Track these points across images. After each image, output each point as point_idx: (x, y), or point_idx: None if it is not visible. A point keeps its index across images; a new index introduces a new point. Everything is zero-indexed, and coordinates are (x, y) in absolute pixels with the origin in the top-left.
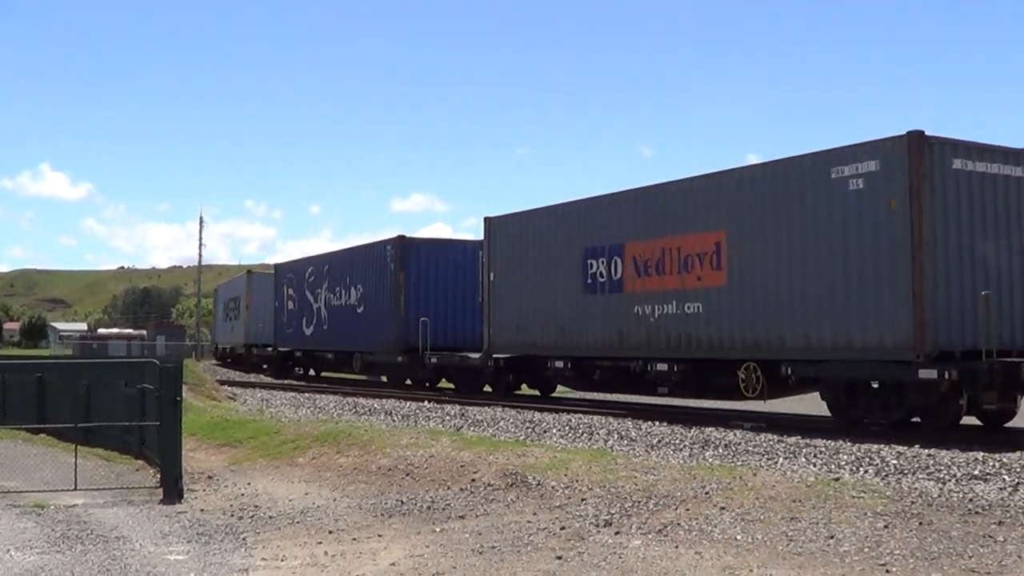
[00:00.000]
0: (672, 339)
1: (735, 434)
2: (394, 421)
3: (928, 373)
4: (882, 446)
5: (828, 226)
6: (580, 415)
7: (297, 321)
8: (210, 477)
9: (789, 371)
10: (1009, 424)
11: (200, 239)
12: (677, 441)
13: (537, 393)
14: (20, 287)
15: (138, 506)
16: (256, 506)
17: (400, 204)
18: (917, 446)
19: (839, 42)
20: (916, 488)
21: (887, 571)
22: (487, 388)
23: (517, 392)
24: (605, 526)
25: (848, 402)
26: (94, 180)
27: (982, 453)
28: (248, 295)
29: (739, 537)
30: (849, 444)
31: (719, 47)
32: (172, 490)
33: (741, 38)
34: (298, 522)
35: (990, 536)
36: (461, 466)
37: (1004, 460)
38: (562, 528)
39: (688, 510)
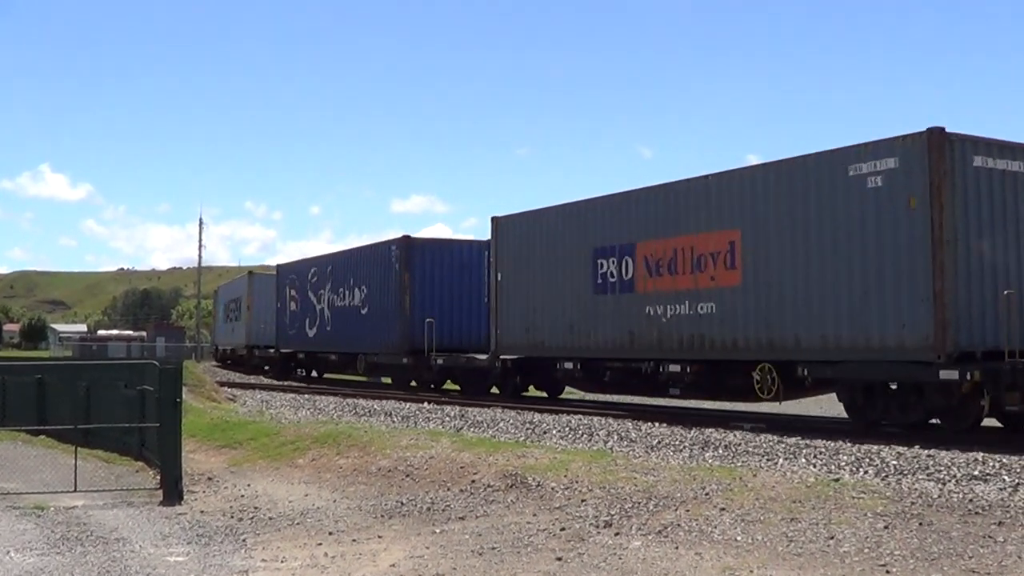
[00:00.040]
0: (685, 340)
1: (735, 435)
2: (394, 422)
3: (949, 374)
4: (882, 447)
5: (846, 224)
6: (580, 416)
7: (300, 322)
8: (210, 478)
9: (805, 372)
10: None
11: (200, 240)
12: (677, 442)
13: (544, 395)
14: (20, 288)
15: (138, 508)
16: (256, 507)
17: (400, 205)
18: (917, 447)
19: (839, 42)
20: (916, 489)
21: (887, 572)
22: (494, 390)
23: (524, 394)
24: (605, 527)
25: (866, 403)
26: (94, 181)
27: (982, 454)
28: (249, 296)
29: (739, 538)
30: (849, 445)
31: (719, 47)
32: (172, 492)
33: (741, 38)
34: (298, 523)
35: (990, 536)
36: (461, 467)
37: (1004, 461)
38: (562, 529)
39: (688, 511)
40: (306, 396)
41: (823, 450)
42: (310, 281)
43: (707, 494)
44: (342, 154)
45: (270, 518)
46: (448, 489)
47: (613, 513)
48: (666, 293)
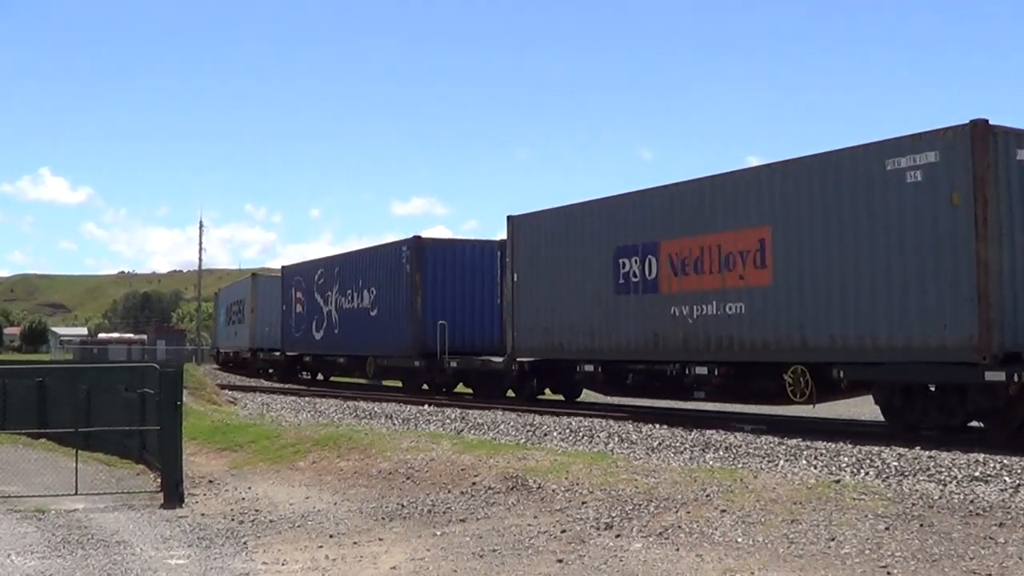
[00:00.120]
0: (712, 341)
1: (736, 436)
2: (395, 425)
3: (995, 375)
4: (883, 448)
5: (884, 221)
6: (580, 418)
7: (306, 325)
8: (211, 481)
9: (841, 374)
10: None
11: (200, 243)
12: (678, 444)
13: (562, 398)
14: (20, 292)
15: (139, 510)
16: (257, 510)
17: (401, 207)
18: (918, 448)
19: (839, 42)
20: (917, 490)
21: (888, 573)
22: (510, 393)
23: (541, 397)
24: (606, 529)
25: (904, 406)
26: (94, 184)
27: (983, 455)
28: (253, 298)
29: (740, 539)
30: (850, 446)
31: (719, 48)
32: (173, 494)
33: (741, 39)
34: (299, 526)
35: (991, 538)
36: (462, 469)
37: (1005, 462)
38: (563, 531)
39: (689, 513)
40: (307, 399)
41: (824, 451)
42: (317, 283)
43: (708, 496)
44: (342, 156)
45: (271, 521)
46: (449, 491)
47: (614, 515)
48: (692, 293)
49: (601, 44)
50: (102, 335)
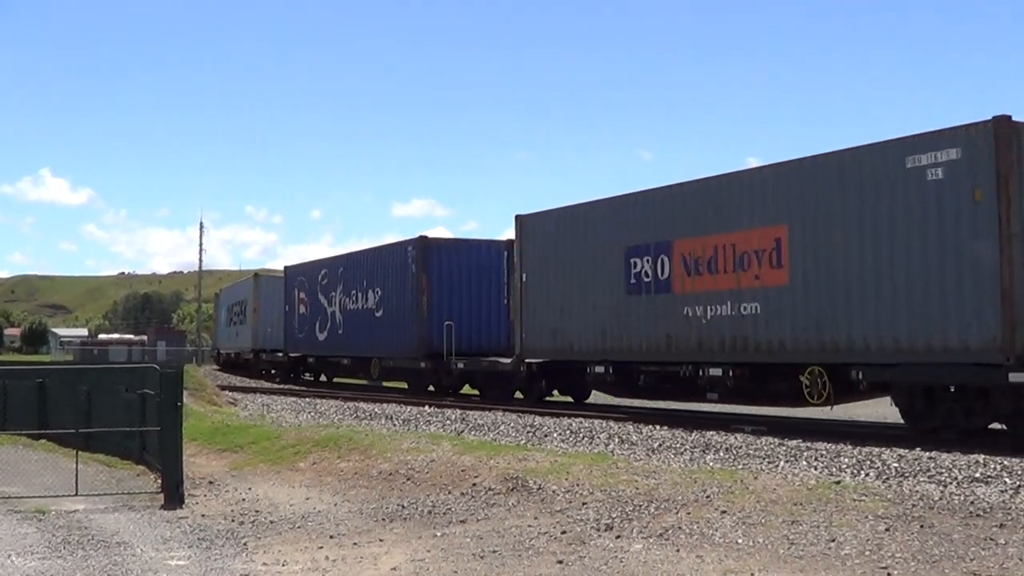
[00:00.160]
0: (727, 342)
1: (736, 437)
2: (395, 426)
3: (1020, 377)
4: (883, 449)
5: (904, 219)
6: (580, 419)
7: (310, 326)
8: (211, 482)
9: (860, 375)
10: None
11: (200, 244)
12: (678, 445)
13: (570, 400)
14: (21, 293)
15: (139, 511)
16: (257, 511)
17: (401, 209)
18: (918, 449)
19: (839, 43)
20: (917, 491)
21: (888, 574)
22: (518, 395)
23: (549, 399)
24: (606, 530)
25: (925, 408)
26: (94, 185)
27: (983, 456)
28: (256, 299)
29: (740, 541)
30: (850, 447)
31: (719, 49)
32: (173, 495)
33: (741, 40)
34: (299, 527)
35: (991, 539)
36: (462, 470)
37: (1005, 463)
38: (563, 532)
39: (689, 514)
40: (307, 400)
41: (824, 452)
42: (320, 283)
43: (708, 497)
44: (342, 158)
45: (271, 522)
46: (449, 492)
47: (614, 516)
48: (706, 293)
49: (601, 45)
50: (102, 336)
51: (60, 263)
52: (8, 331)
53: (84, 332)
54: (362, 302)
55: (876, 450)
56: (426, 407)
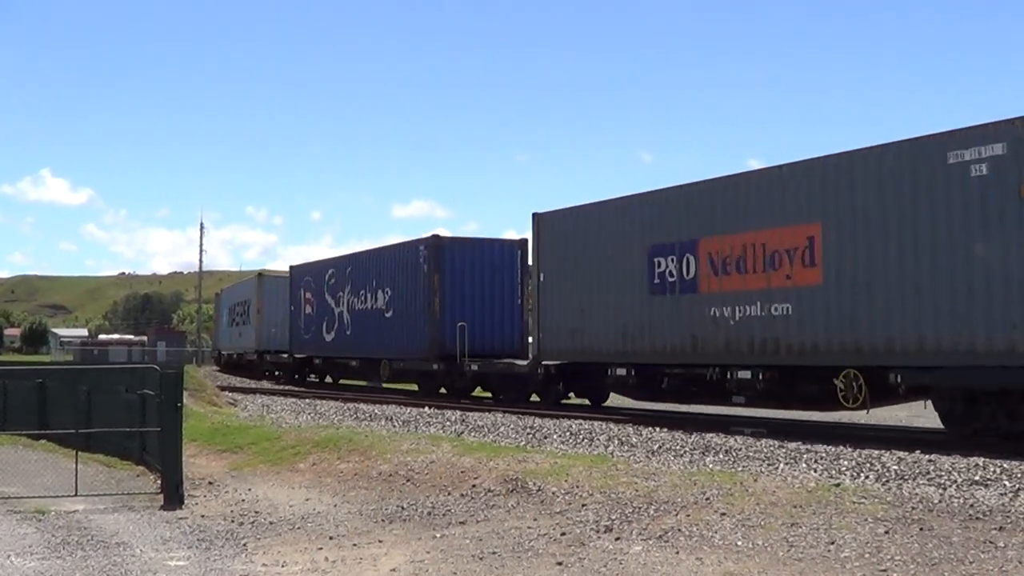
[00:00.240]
0: (756, 344)
1: (736, 440)
2: (395, 427)
3: None
4: (883, 452)
5: (946, 216)
6: (580, 421)
7: (316, 326)
8: (211, 483)
9: (898, 379)
10: None
11: (201, 245)
12: (678, 447)
13: (588, 403)
14: (21, 293)
15: (139, 512)
16: (257, 512)
17: (401, 210)
18: (918, 452)
19: (840, 44)
20: (917, 494)
21: None
22: (534, 398)
23: (565, 401)
24: (606, 532)
25: (966, 412)
26: (94, 186)
27: (982, 459)
28: (260, 299)
29: (740, 543)
30: (850, 450)
31: (719, 50)
32: (173, 496)
33: (741, 41)
34: (299, 528)
35: (991, 542)
36: (462, 472)
37: (1004, 466)
38: (563, 534)
39: (689, 516)
40: (307, 401)
41: (824, 455)
42: (327, 283)
43: (708, 499)
44: (343, 159)
45: (271, 522)
46: (449, 494)
47: (614, 518)
48: (734, 293)
49: (601, 45)
50: (102, 336)
51: (60, 263)
52: (8, 331)
53: (84, 332)
54: (371, 302)
55: (876, 453)
56: (426, 408)
